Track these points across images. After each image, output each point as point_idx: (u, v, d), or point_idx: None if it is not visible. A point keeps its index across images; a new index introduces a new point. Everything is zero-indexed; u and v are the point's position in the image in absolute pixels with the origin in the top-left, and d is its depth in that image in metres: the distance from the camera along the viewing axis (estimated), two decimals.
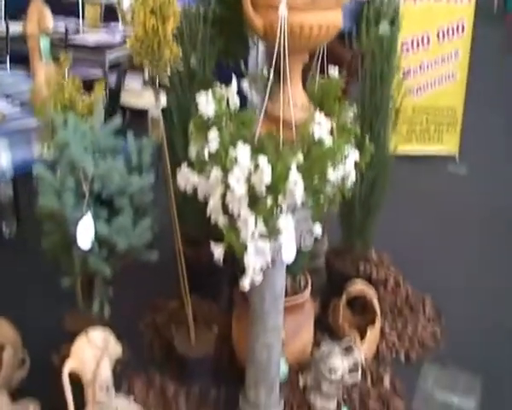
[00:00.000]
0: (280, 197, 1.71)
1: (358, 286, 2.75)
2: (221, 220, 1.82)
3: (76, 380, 2.03)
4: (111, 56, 4.14)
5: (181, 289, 2.53)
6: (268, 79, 2.86)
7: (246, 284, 1.79)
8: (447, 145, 4.94)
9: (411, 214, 4.00)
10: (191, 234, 2.69)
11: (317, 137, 1.86)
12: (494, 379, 2.64)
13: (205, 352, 2.49)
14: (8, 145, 2.50)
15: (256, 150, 1.78)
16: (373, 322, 2.68)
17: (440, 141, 4.93)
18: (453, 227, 3.91)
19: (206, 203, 1.99)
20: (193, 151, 1.99)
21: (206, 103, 1.92)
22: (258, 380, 2.21)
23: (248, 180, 1.74)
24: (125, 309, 2.41)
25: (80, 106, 2.25)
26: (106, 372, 2.04)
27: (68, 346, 2.24)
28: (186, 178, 1.96)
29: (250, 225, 1.71)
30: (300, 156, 1.75)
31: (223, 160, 1.79)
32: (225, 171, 1.77)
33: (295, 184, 1.70)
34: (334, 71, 2.23)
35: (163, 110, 2.41)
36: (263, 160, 1.68)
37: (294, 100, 1.94)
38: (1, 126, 2.61)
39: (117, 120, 2.17)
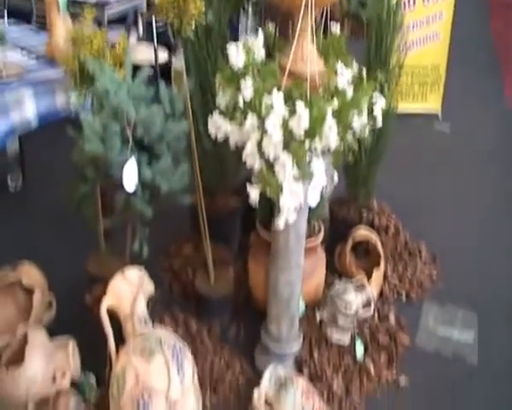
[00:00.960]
0: (316, 141, 1.84)
1: (363, 232, 2.92)
2: (257, 164, 1.91)
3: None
4: (109, 12, 4.18)
5: (195, 236, 2.66)
6: (275, 35, 3.00)
7: (281, 222, 1.91)
8: (431, 104, 5.10)
9: (402, 167, 4.18)
10: (206, 185, 2.81)
11: (340, 86, 1.99)
12: (488, 313, 2.86)
13: (224, 291, 2.65)
14: (32, 95, 2.55)
15: (286, 98, 1.90)
16: (377, 264, 2.85)
17: (424, 99, 5.08)
18: (440, 179, 4.11)
19: (229, 154, 2.09)
20: (222, 101, 2.08)
21: (236, 54, 2.01)
22: (280, 315, 2.36)
23: (283, 126, 1.86)
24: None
25: (108, 58, 2.34)
26: (142, 307, 2.17)
27: (100, 287, 2.38)
28: (217, 126, 2.04)
29: (288, 167, 1.84)
30: (336, 102, 1.88)
31: (257, 107, 1.91)
32: (261, 118, 1.89)
33: (330, 128, 1.83)
34: (335, 28, 2.34)
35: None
36: (300, 105, 1.80)
37: (311, 54, 2.02)
38: (24, 77, 2.65)
39: (146, 71, 2.26)
